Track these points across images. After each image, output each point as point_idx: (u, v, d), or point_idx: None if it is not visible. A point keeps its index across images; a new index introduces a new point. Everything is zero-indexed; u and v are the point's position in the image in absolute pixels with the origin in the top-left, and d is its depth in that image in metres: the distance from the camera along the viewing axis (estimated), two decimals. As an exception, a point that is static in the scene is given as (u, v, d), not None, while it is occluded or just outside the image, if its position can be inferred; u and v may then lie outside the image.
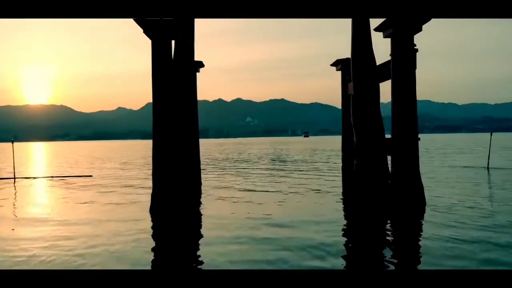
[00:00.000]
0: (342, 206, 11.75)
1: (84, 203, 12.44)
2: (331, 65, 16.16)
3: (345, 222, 9.73)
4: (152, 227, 9.24)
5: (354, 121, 13.05)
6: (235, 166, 26.73)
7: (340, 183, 15.74)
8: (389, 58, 11.89)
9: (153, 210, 10.23)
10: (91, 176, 20.89)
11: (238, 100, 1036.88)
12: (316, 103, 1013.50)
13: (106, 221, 9.58)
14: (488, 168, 20.86)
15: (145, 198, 12.33)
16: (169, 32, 10.34)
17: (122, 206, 11.77)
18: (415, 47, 10.49)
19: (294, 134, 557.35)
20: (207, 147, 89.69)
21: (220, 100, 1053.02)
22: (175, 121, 11.52)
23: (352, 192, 13.41)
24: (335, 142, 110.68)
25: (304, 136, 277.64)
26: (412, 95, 10.57)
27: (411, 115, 10.53)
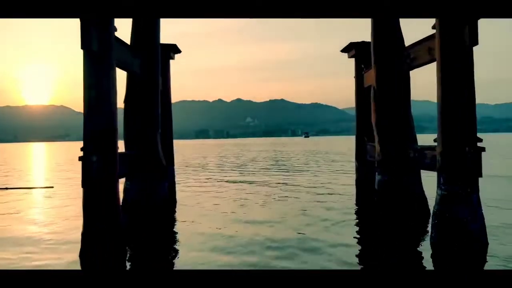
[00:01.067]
0: (357, 240, 8.30)
1: None
2: (342, 51, 12.77)
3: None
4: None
5: (377, 122, 9.67)
6: (227, 177, 23.24)
7: (353, 203, 12.22)
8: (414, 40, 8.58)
9: (84, 255, 6.81)
10: (52, 187, 17.55)
11: (238, 100, 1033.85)
12: (316, 103, 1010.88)
13: None
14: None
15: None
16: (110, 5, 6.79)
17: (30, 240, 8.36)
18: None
19: (294, 134, 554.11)
20: (206, 148, 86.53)
21: (220, 100, 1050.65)
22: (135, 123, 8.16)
23: (373, 219, 9.97)
24: (336, 143, 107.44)
25: (305, 137, 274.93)
26: (470, 83, 7.16)
27: (469, 112, 7.11)
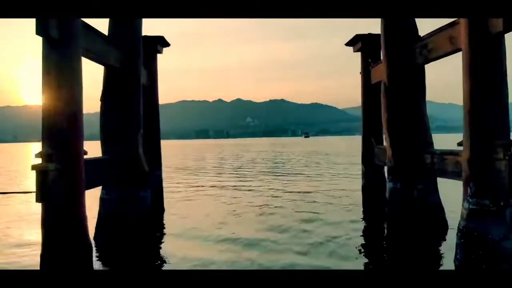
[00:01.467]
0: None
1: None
2: (347, 44, 11.65)
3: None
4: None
5: (389, 123, 8.54)
6: (223, 181, 22.09)
7: (359, 213, 11.02)
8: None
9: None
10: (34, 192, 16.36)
11: (238, 100, 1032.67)
12: (316, 103, 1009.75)
13: None
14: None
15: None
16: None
17: None
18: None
19: (294, 134, 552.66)
20: (205, 148, 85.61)
21: (220, 100, 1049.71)
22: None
23: (384, 234, 8.83)
24: (337, 143, 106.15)
25: (305, 137, 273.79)
26: (502, 76, 6.03)
27: (501, 111, 5.99)
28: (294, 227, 9.42)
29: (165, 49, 11.30)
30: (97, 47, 7.00)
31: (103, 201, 8.00)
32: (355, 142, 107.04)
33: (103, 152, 8.03)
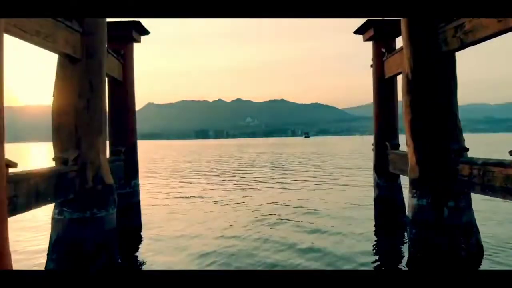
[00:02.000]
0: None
1: None
2: (356, 32, 10.01)
3: None
4: None
5: (412, 124, 6.85)
6: (216, 189, 20.41)
7: (371, 232, 9.30)
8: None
9: None
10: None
11: (238, 100, 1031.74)
12: (316, 103, 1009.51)
13: None
14: None
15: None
16: None
17: None
18: None
19: (294, 134, 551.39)
20: (204, 149, 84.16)
21: (220, 100, 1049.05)
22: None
23: (405, 260, 7.14)
24: (337, 144, 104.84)
25: (305, 137, 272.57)
26: None
27: None
28: (289, 254, 7.67)
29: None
30: (34, 26, 5.34)
31: (55, 222, 6.36)
32: (356, 142, 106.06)
33: (54, 159, 6.39)
